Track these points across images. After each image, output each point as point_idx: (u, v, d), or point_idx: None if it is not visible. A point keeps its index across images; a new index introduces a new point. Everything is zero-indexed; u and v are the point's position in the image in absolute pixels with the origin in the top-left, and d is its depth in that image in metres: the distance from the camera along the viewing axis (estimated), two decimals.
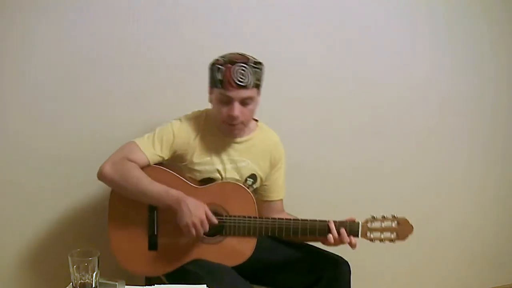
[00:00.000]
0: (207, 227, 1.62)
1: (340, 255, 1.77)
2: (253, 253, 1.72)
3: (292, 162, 2.20)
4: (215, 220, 1.64)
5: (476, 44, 2.53)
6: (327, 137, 2.36)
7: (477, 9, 2.48)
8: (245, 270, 1.72)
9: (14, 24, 1.85)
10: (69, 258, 1.32)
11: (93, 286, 1.33)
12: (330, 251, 1.78)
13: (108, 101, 2.00)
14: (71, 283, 1.33)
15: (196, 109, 1.83)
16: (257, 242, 1.74)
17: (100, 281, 1.36)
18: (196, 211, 1.60)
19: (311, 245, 1.81)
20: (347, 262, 1.74)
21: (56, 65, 1.91)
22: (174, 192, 1.63)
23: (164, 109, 2.03)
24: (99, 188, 1.95)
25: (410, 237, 1.70)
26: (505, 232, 2.79)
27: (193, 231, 1.61)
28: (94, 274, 1.32)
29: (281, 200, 1.90)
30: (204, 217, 1.61)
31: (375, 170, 2.48)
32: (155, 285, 1.47)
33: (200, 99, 1.97)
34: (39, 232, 2.01)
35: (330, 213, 2.35)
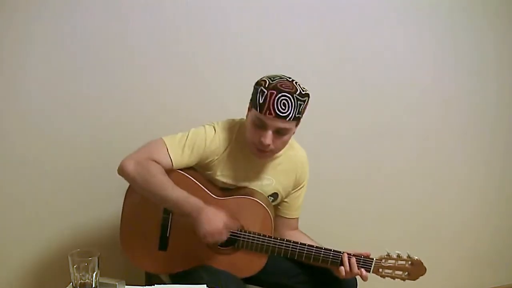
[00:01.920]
0: (224, 238, 1.60)
1: None
2: None
3: None
4: (227, 234, 1.60)
5: (479, 45, 2.52)
6: (326, 138, 2.36)
7: (479, 10, 2.48)
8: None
9: (12, 25, 1.84)
10: (69, 258, 1.31)
11: (93, 286, 1.33)
12: None
13: (110, 104, 2.00)
14: (71, 283, 1.33)
15: (195, 112, 1.82)
16: None
17: (100, 281, 1.35)
18: (215, 221, 1.56)
19: None
20: (355, 278, 1.73)
21: (57, 64, 1.91)
22: (195, 200, 1.58)
23: (165, 111, 2.03)
24: (101, 188, 1.96)
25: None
26: (505, 232, 2.80)
27: (210, 241, 1.58)
28: (94, 274, 1.32)
29: (297, 218, 1.86)
30: (221, 228, 1.57)
31: (375, 171, 2.48)
32: (155, 285, 1.46)
33: (201, 101, 1.98)
34: (39, 232, 2.01)
35: (329, 214, 2.37)
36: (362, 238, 2.42)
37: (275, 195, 1.77)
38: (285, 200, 1.82)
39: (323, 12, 2.23)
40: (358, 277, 1.70)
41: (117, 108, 2.01)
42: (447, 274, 2.72)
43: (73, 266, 1.31)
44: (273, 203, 1.79)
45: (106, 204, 2.01)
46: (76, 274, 1.31)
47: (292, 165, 1.77)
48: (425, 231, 2.58)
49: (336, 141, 2.38)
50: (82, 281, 1.31)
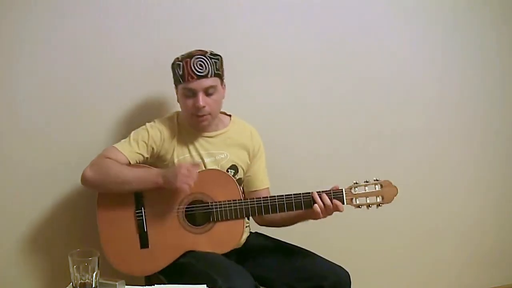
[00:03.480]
0: (195, 174, 1.64)
1: (341, 261, 1.76)
2: (253, 257, 1.74)
3: (290, 163, 2.21)
4: (195, 171, 1.65)
5: (482, 45, 2.51)
6: (326, 138, 2.35)
7: (482, 10, 2.47)
8: (240, 264, 1.73)
9: (7, 24, 1.84)
10: (69, 258, 1.32)
11: (93, 286, 1.33)
12: (331, 260, 1.76)
13: (103, 101, 1.99)
14: (71, 283, 1.33)
15: None
16: (258, 246, 1.76)
17: (100, 281, 1.36)
18: (179, 168, 1.64)
19: (313, 252, 1.81)
20: (347, 272, 1.74)
21: (57, 64, 1.92)
22: (155, 169, 1.70)
23: (156, 113, 2.02)
24: None
25: (395, 199, 1.74)
26: (505, 232, 2.79)
27: (186, 187, 1.63)
28: (94, 274, 1.32)
29: (267, 188, 1.91)
30: (187, 166, 1.64)
31: (375, 170, 2.46)
32: (155, 285, 1.47)
33: None
34: (39, 232, 2.01)
35: (329, 218, 2.36)
36: (364, 241, 2.42)
37: (234, 167, 1.83)
38: (248, 174, 1.89)
39: (323, 11, 2.23)
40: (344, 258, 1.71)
41: (115, 109, 2.01)
42: (450, 274, 2.72)
43: (73, 266, 1.31)
44: (237, 176, 1.83)
45: None
46: (76, 274, 1.31)
47: (241, 136, 1.86)
48: (428, 233, 2.58)
49: (337, 142, 2.37)
50: (82, 281, 1.31)
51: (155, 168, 1.71)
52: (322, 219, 1.72)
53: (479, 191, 2.70)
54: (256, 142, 1.90)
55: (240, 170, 1.85)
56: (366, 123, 2.40)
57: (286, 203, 1.72)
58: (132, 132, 1.79)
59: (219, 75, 1.75)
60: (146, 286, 1.49)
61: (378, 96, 2.39)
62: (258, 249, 1.78)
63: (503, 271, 2.83)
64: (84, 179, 1.71)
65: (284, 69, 2.21)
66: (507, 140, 2.68)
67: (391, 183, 1.75)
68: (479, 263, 2.77)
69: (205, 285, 1.46)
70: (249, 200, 1.74)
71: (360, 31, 2.31)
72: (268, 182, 1.92)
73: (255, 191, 1.89)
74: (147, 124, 1.81)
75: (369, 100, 2.38)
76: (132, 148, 1.74)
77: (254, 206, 1.73)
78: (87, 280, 1.32)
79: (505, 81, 2.61)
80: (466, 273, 2.76)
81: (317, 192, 1.71)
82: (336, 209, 1.69)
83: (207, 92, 1.71)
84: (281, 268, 1.78)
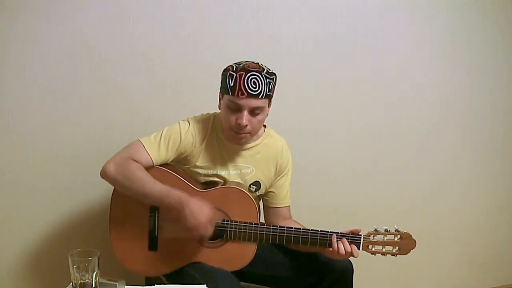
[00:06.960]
0: (210, 232, 1.60)
1: None
2: (258, 256, 1.70)
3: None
4: (212, 228, 1.60)
5: (475, 44, 2.52)
6: (326, 138, 2.36)
7: (476, 9, 2.48)
8: (243, 268, 1.72)
9: (14, 24, 1.85)
10: (69, 258, 1.32)
11: (93, 286, 1.33)
12: None
13: (110, 101, 2.00)
14: (71, 283, 1.33)
15: (195, 110, 1.82)
16: (262, 245, 1.71)
17: (100, 281, 1.36)
18: (200, 214, 1.57)
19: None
20: (350, 261, 1.74)
21: (57, 64, 1.92)
22: (177, 193, 1.60)
23: (165, 109, 2.03)
24: (99, 188, 1.96)
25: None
26: (504, 232, 2.80)
27: (195, 234, 1.59)
28: (94, 274, 1.32)
29: (288, 207, 1.87)
30: (206, 221, 1.58)
31: (374, 171, 2.48)
32: (155, 285, 1.47)
33: (201, 100, 1.99)
34: (39, 232, 2.01)
35: (329, 214, 2.37)
36: None
37: (257, 183, 1.78)
38: (271, 190, 1.83)
39: (323, 10, 2.23)
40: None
41: (116, 108, 2.01)
42: (450, 274, 2.72)
43: (73, 266, 1.31)
44: (258, 193, 1.80)
45: (107, 203, 2.01)
46: (76, 274, 1.31)
47: (271, 153, 1.79)
48: (422, 231, 2.56)
49: (334, 140, 2.38)
50: (82, 281, 1.32)
51: (177, 192, 1.60)
52: None
53: (480, 191, 2.71)
54: (285, 159, 1.82)
55: (262, 186, 1.79)
56: (363, 122, 2.41)
57: (301, 237, 1.67)
58: (165, 130, 1.69)
59: (270, 96, 1.66)
60: (146, 286, 1.49)
61: (379, 97, 2.40)
62: (262, 248, 1.74)
63: (503, 271, 2.83)
64: (105, 175, 1.63)
65: (283, 68, 2.21)
66: (502, 139, 2.69)
67: (411, 236, 1.69)
68: (479, 263, 2.77)
69: (205, 285, 1.47)
70: (265, 227, 1.68)
71: (359, 31, 2.31)
72: (289, 201, 1.86)
73: (275, 208, 1.85)
74: (181, 124, 1.71)
75: (366, 99, 2.39)
76: (160, 152, 1.66)
77: (269, 235, 1.68)
78: (87, 280, 1.32)
79: (502, 79, 2.62)
80: (466, 273, 2.76)
81: (335, 234, 1.66)
82: (351, 254, 1.65)
83: (253, 112, 1.62)
84: (282, 264, 1.78)
